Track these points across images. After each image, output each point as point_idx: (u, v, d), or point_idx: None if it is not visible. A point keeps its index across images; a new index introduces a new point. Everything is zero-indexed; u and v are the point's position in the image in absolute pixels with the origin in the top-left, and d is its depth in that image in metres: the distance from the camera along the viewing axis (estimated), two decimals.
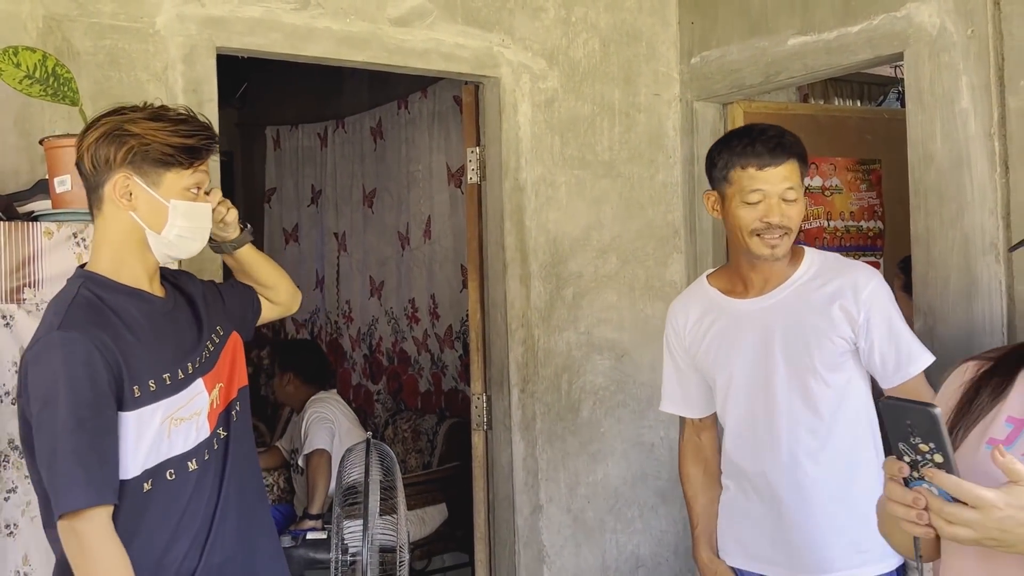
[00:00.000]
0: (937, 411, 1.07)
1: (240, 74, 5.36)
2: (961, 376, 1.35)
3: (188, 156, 1.64)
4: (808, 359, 2.03)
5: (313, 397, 3.98)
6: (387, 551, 2.90)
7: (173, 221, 1.65)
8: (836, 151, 3.52)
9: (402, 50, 2.89)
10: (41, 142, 2.08)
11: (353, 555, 2.83)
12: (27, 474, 1.87)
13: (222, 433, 1.72)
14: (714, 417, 2.25)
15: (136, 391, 1.58)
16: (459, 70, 3.03)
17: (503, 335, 3.12)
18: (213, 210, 1.75)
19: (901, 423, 1.10)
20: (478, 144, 3.19)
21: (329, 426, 3.84)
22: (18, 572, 1.89)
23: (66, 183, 1.98)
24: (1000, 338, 2.43)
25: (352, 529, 2.86)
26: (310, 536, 3.38)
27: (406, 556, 2.88)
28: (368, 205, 5.38)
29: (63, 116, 2.32)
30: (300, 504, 4.00)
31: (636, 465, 3.29)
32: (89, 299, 1.60)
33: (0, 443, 1.89)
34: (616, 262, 3.28)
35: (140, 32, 2.50)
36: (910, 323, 2.14)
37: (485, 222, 3.19)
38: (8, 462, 1.89)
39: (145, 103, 1.68)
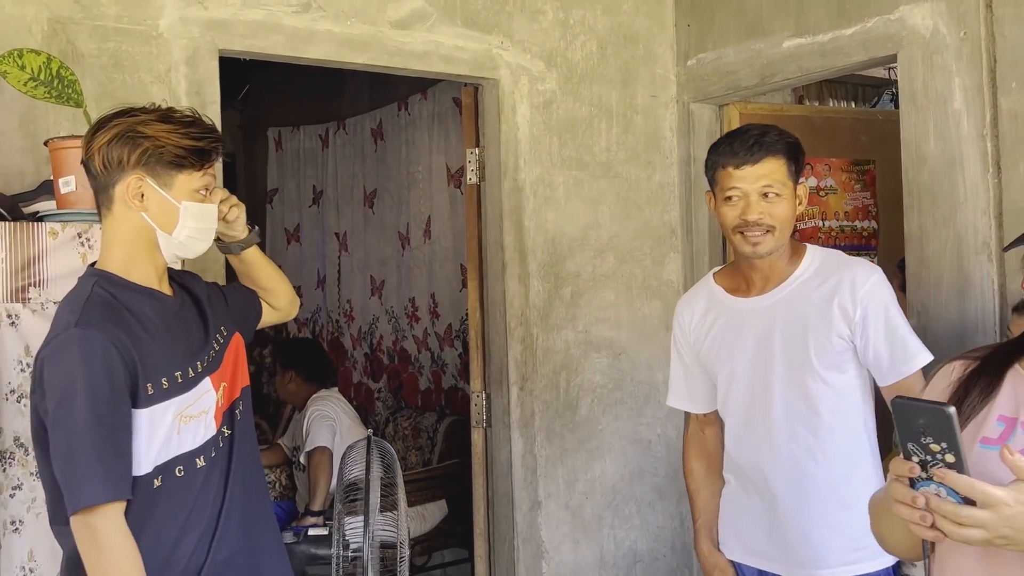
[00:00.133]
0: (952, 410, 1.06)
1: (242, 76, 5.35)
2: (948, 376, 1.34)
3: (199, 158, 1.65)
4: (807, 358, 2.02)
5: (315, 395, 3.98)
6: (388, 547, 2.90)
7: (184, 222, 1.65)
8: (831, 152, 3.52)
9: (402, 52, 2.89)
10: (46, 143, 2.08)
11: (354, 551, 2.83)
12: (32, 471, 1.88)
13: (226, 431, 1.72)
14: (718, 413, 2.25)
15: (149, 388, 1.58)
16: (458, 72, 3.03)
17: (502, 334, 3.12)
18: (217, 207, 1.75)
19: (913, 423, 1.09)
20: (477, 145, 3.19)
21: (331, 424, 3.84)
22: (23, 568, 1.89)
23: (71, 184, 1.98)
24: (993, 336, 2.44)
25: (353, 525, 2.86)
26: (312, 532, 3.38)
27: (406, 552, 2.88)
28: (369, 205, 5.38)
29: (67, 118, 2.32)
30: (302, 501, 4.00)
31: (633, 462, 3.29)
32: (104, 297, 1.60)
33: (6, 441, 1.89)
34: (614, 261, 3.28)
35: (143, 35, 2.50)
36: None
37: (484, 222, 3.19)
38: (13, 459, 1.89)
39: (153, 104, 1.68)
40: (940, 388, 1.33)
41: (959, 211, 2.55)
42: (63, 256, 1.94)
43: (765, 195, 2.01)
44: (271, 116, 5.94)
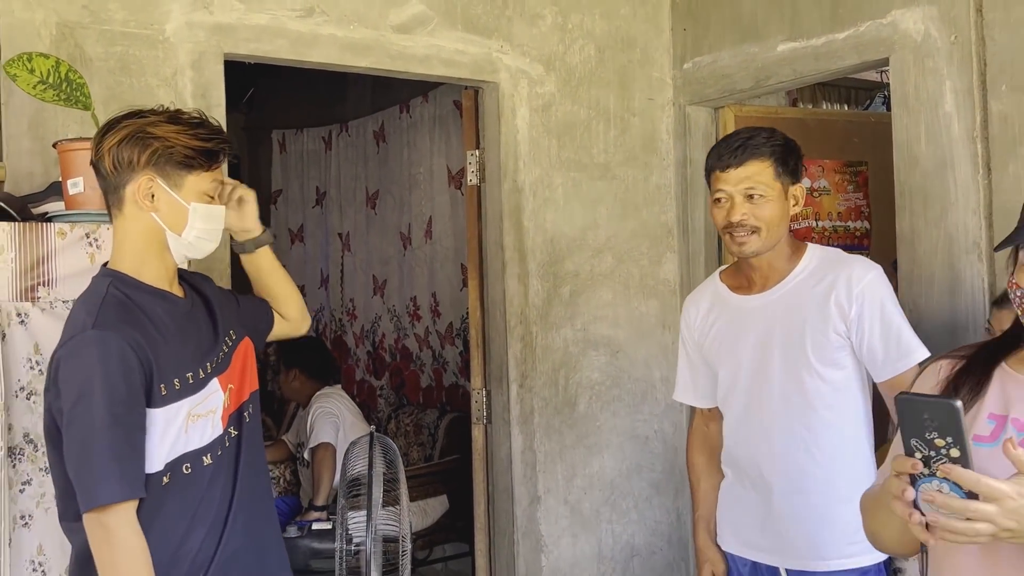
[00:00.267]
0: (959, 404, 1.05)
1: (247, 80, 5.35)
2: (935, 375, 1.34)
3: (207, 159, 1.65)
4: (804, 354, 2.03)
5: (318, 392, 3.99)
6: (390, 541, 2.90)
7: (192, 223, 1.65)
8: (824, 153, 3.51)
9: (404, 56, 2.89)
10: (55, 145, 2.08)
11: (357, 545, 2.83)
12: (41, 467, 1.88)
13: (233, 432, 1.72)
14: None
15: (163, 389, 1.58)
16: (459, 75, 3.03)
17: (502, 332, 3.12)
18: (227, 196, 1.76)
19: (918, 418, 1.07)
20: (478, 147, 3.19)
21: (334, 420, 3.84)
22: (33, 561, 1.89)
23: (79, 185, 1.98)
24: (983, 334, 2.44)
25: (356, 520, 2.86)
26: (315, 527, 3.37)
27: (408, 546, 2.88)
28: (371, 206, 5.38)
29: (76, 120, 2.32)
30: (306, 496, 4.00)
31: (631, 457, 3.29)
32: (119, 298, 1.60)
33: (15, 437, 1.89)
34: (611, 261, 3.28)
35: (150, 39, 2.50)
36: None
37: (484, 222, 3.18)
38: (23, 455, 1.89)
39: (161, 107, 1.67)
40: (928, 387, 1.33)
41: (950, 212, 2.55)
42: (71, 256, 1.94)
43: (750, 197, 2.03)
44: (275, 119, 5.94)
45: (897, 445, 1.34)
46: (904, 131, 2.66)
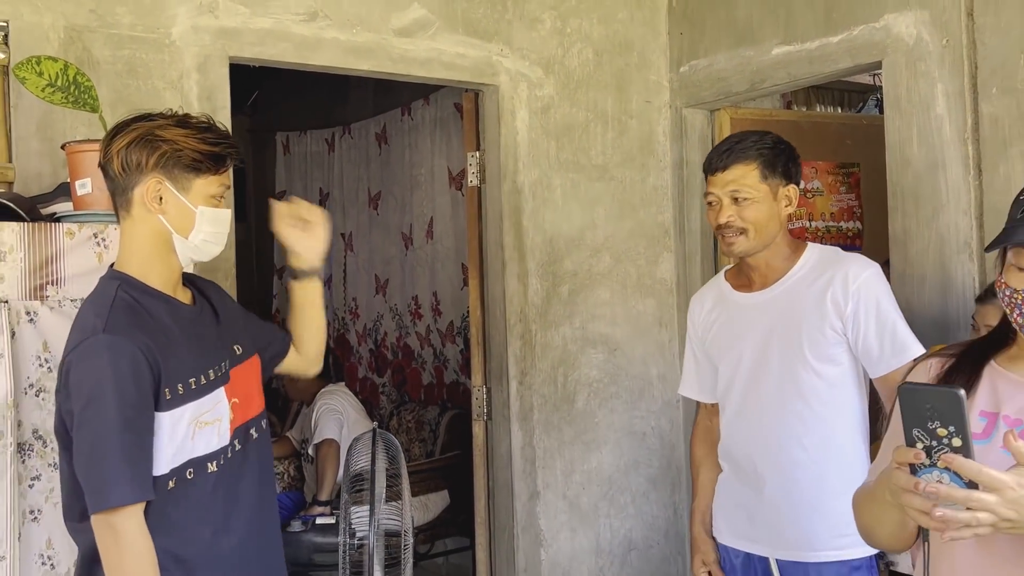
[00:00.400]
0: (962, 392, 1.04)
1: (251, 82, 5.35)
2: (925, 373, 1.34)
3: (215, 163, 1.64)
4: (800, 350, 2.04)
5: (323, 390, 3.98)
6: (392, 535, 2.90)
7: (200, 226, 1.64)
8: (817, 155, 3.51)
9: (405, 59, 2.89)
10: (63, 147, 2.08)
11: (360, 539, 2.83)
12: (50, 462, 1.88)
13: (238, 445, 1.70)
14: None
15: (168, 393, 1.58)
16: (460, 78, 3.03)
17: (502, 330, 3.11)
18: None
19: (920, 407, 1.06)
20: (478, 149, 3.19)
21: (338, 417, 3.84)
22: (42, 555, 1.89)
23: (87, 186, 1.98)
24: (970, 330, 2.43)
25: (359, 514, 2.86)
26: (319, 521, 3.39)
27: (410, 540, 2.88)
28: (373, 207, 5.38)
29: (84, 122, 2.32)
30: (310, 491, 4.00)
31: (628, 453, 3.29)
32: (128, 302, 1.59)
33: (25, 433, 1.88)
34: (609, 261, 3.28)
35: (157, 42, 2.50)
36: None
37: (485, 223, 3.18)
38: (32, 451, 1.89)
39: (169, 110, 1.67)
40: None
41: (941, 212, 2.54)
42: (80, 255, 1.94)
43: (736, 199, 2.05)
44: (279, 121, 5.93)
45: (890, 441, 1.34)
46: (896, 133, 2.66)
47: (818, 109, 4.65)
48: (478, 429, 3.20)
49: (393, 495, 2.91)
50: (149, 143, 1.59)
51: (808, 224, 3.55)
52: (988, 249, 1.31)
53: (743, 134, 2.14)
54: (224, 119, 2.50)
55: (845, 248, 3.57)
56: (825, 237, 3.55)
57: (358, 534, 2.85)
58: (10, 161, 2.32)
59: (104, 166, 1.64)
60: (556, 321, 3.17)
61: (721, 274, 2.28)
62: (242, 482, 1.71)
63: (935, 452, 1.06)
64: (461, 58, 2.99)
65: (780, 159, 2.09)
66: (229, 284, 2.52)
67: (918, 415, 1.06)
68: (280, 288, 6.07)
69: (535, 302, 3.13)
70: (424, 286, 5.00)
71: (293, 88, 5.22)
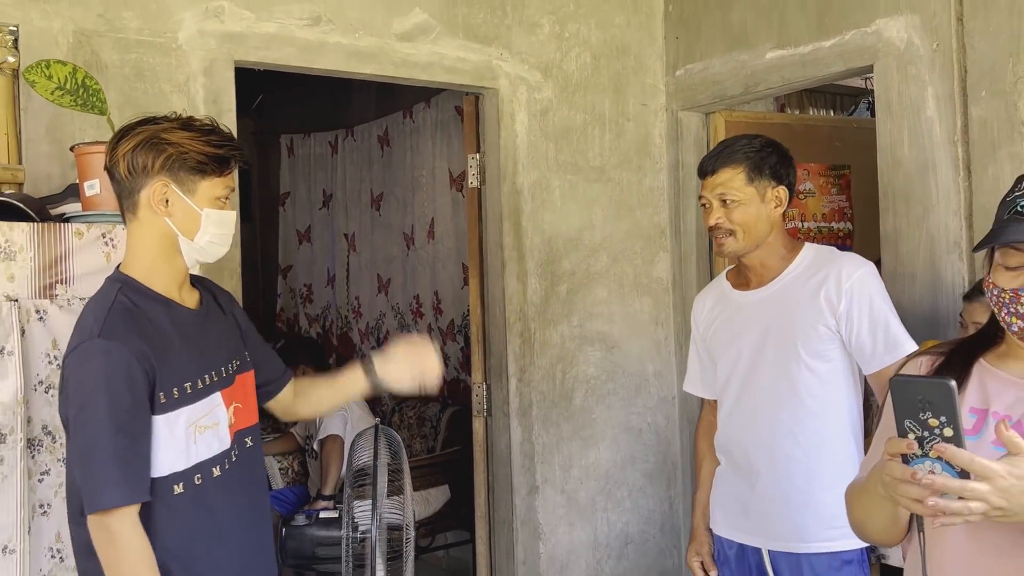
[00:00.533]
0: (953, 383, 1.05)
1: (256, 86, 5.34)
2: (916, 370, 1.34)
3: (219, 164, 1.63)
4: (794, 347, 2.04)
5: None
6: (394, 529, 2.89)
7: (205, 228, 1.63)
8: (809, 157, 3.51)
9: (407, 63, 2.89)
10: (72, 149, 2.07)
11: (363, 532, 2.83)
12: (59, 457, 1.88)
13: (234, 455, 1.70)
14: None
15: (162, 397, 1.57)
16: (460, 82, 3.02)
17: (501, 328, 3.11)
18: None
19: (912, 399, 1.06)
20: (478, 151, 3.18)
21: (342, 413, 3.84)
22: (51, 548, 1.88)
23: (95, 187, 1.97)
24: (958, 328, 2.43)
25: (362, 508, 2.86)
26: (323, 515, 3.38)
27: (412, 534, 2.88)
28: (376, 208, 5.37)
29: (92, 125, 2.31)
30: (314, 485, 3.99)
31: (625, 449, 3.29)
32: (127, 305, 1.58)
33: (35, 429, 1.88)
34: (606, 260, 3.28)
35: (163, 47, 2.49)
36: None
37: (485, 223, 3.18)
38: (42, 446, 1.88)
39: (173, 113, 1.66)
40: None
41: (932, 213, 2.54)
42: (88, 255, 1.94)
43: (723, 202, 2.08)
44: (284, 124, 5.93)
45: (881, 436, 1.33)
46: (888, 135, 2.65)
47: (811, 112, 4.65)
48: (478, 425, 3.20)
49: (395, 490, 2.90)
50: (155, 146, 1.58)
51: (800, 225, 3.55)
52: (976, 249, 1.31)
53: (734, 139, 2.16)
54: (229, 122, 2.49)
55: (836, 248, 3.59)
56: (817, 238, 3.55)
57: (361, 527, 2.84)
58: (20, 163, 2.31)
59: (110, 169, 1.63)
60: (554, 319, 3.17)
61: (723, 274, 2.30)
62: (241, 486, 1.70)
63: (927, 442, 1.06)
64: (462, 62, 2.99)
65: (767, 161, 2.09)
66: (234, 284, 2.51)
67: (910, 406, 1.07)
68: (284, 287, 6.07)
69: (534, 301, 3.13)
70: (425, 285, 5.00)
71: (297, 91, 5.21)
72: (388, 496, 2.86)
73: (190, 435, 1.60)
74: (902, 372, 1.34)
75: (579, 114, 3.22)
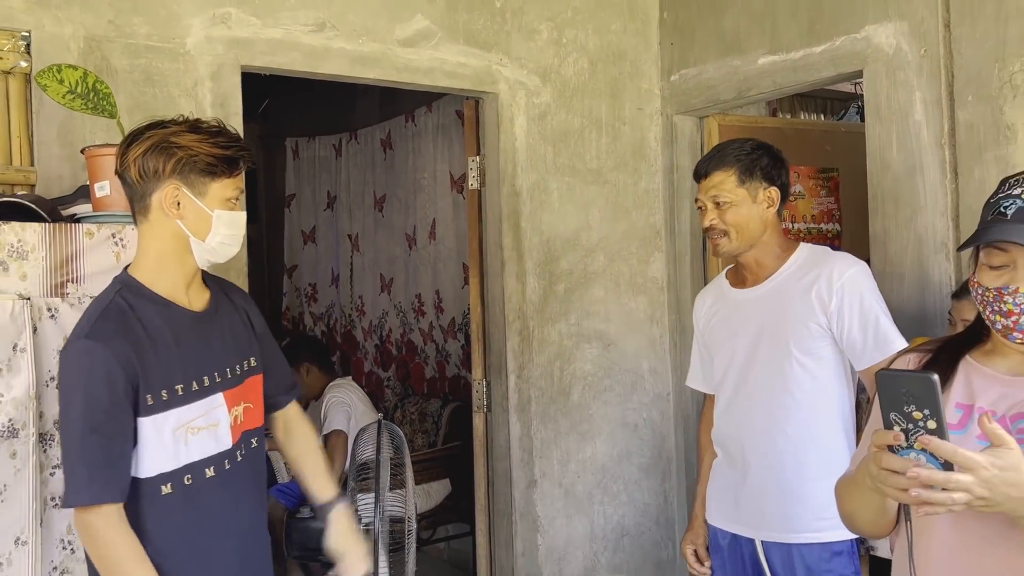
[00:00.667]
0: (935, 377, 1.05)
1: (262, 90, 5.34)
2: (904, 367, 1.34)
3: (228, 165, 1.62)
4: (786, 343, 2.05)
5: (331, 384, 3.98)
6: (396, 521, 2.90)
7: (216, 229, 1.62)
8: (800, 160, 3.51)
9: (409, 68, 2.88)
10: (83, 151, 2.07)
11: (366, 525, 2.83)
12: None
13: (239, 454, 1.68)
14: None
15: (149, 399, 1.55)
16: (461, 86, 3.02)
17: (501, 326, 3.11)
18: None
19: (897, 392, 1.07)
20: (478, 154, 3.18)
21: (346, 409, 3.84)
22: (63, 540, 1.88)
23: (105, 188, 1.97)
24: (946, 325, 2.43)
25: (365, 501, 2.86)
26: None
27: (413, 526, 2.88)
28: (379, 209, 5.37)
29: (102, 128, 2.31)
30: None
31: (621, 443, 3.29)
32: (122, 307, 1.58)
33: (46, 424, 1.88)
34: (603, 260, 3.28)
35: (172, 52, 2.49)
36: None
37: (485, 224, 3.18)
38: (53, 440, 1.88)
39: (181, 117, 1.65)
40: None
41: (919, 214, 2.54)
42: (98, 254, 1.93)
43: (717, 204, 2.10)
44: (289, 127, 5.93)
45: (870, 429, 1.34)
46: (877, 139, 2.65)
47: (802, 116, 4.64)
48: (478, 421, 3.19)
49: (397, 483, 2.91)
50: (164, 150, 1.57)
51: (790, 226, 3.54)
52: (960, 249, 1.31)
53: (727, 143, 2.19)
54: (236, 125, 2.49)
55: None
56: (806, 238, 3.55)
57: (364, 520, 2.84)
58: (32, 165, 2.31)
59: (122, 174, 1.62)
60: (552, 318, 3.17)
61: (723, 272, 2.31)
62: (242, 486, 1.68)
63: (911, 434, 1.07)
64: (462, 67, 2.99)
65: (758, 163, 2.11)
66: (241, 283, 2.51)
67: (895, 399, 1.07)
68: (289, 287, 6.06)
69: (532, 300, 3.13)
70: (427, 285, 5.00)
71: (302, 96, 5.21)
72: (391, 489, 2.86)
73: (180, 437, 1.58)
74: (885, 367, 1.35)
75: (576, 118, 3.22)
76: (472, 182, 3.19)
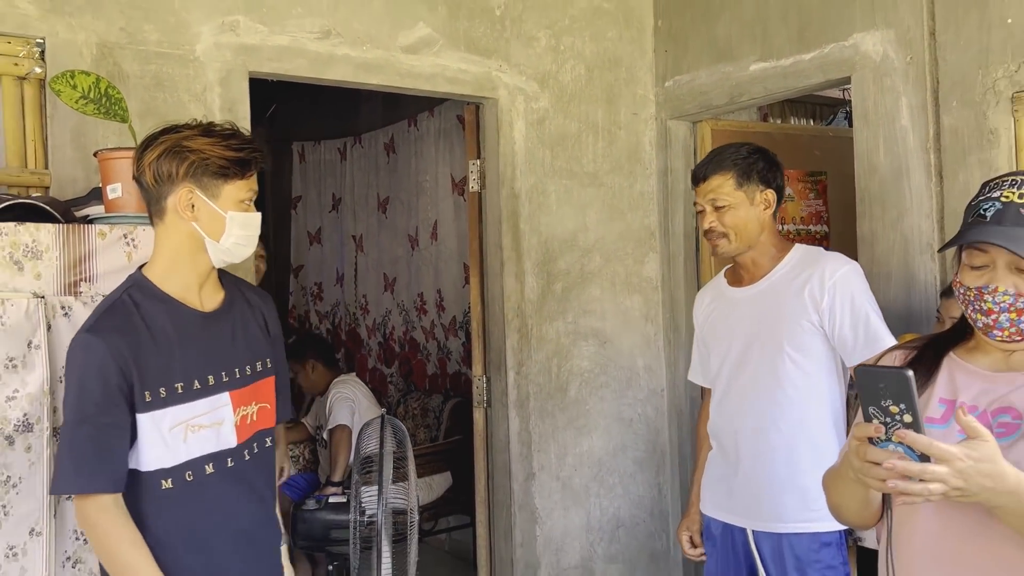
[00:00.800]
0: (910, 373, 1.06)
1: (269, 96, 5.33)
2: (891, 363, 1.35)
3: (241, 167, 1.61)
4: (779, 340, 2.06)
5: (336, 380, 3.98)
6: (399, 513, 2.90)
7: (230, 230, 1.62)
8: (789, 164, 3.49)
9: (412, 74, 2.88)
10: (95, 154, 2.07)
11: (370, 517, 2.83)
12: None
13: (247, 453, 1.67)
14: None
15: (147, 396, 1.55)
16: (462, 92, 3.02)
17: (500, 324, 3.11)
18: None
19: (875, 387, 1.08)
20: (478, 157, 3.18)
21: (350, 404, 3.84)
22: (75, 531, 1.88)
23: (117, 190, 1.97)
24: (934, 322, 2.44)
25: (369, 494, 2.86)
26: (332, 500, 3.38)
27: (415, 517, 2.88)
28: (382, 211, 5.37)
29: (114, 132, 2.31)
30: (323, 472, 3.99)
31: (617, 438, 3.29)
32: (126, 305, 1.58)
33: (60, 418, 1.87)
34: (599, 260, 3.28)
35: (182, 58, 2.49)
36: None
37: (485, 225, 3.18)
38: None
39: (194, 120, 1.65)
40: None
41: (906, 216, 2.55)
42: (111, 255, 1.94)
43: (716, 207, 2.11)
44: (295, 132, 5.93)
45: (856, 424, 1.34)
46: (864, 143, 2.66)
47: (792, 121, 4.65)
48: (478, 415, 3.20)
49: (400, 476, 2.91)
50: (178, 154, 1.57)
51: (780, 227, 3.55)
52: (941, 249, 1.33)
53: (724, 147, 2.19)
54: (244, 129, 2.49)
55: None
56: (795, 240, 3.55)
57: (368, 512, 2.85)
58: (47, 167, 2.31)
59: (138, 178, 1.62)
60: (550, 316, 3.17)
61: (722, 272, 2.32)
62: (248, 483, 1.67)
63: (889, 428, 1.08)
64: (463, 73, 2.99)
65: (755, 167, 2.11)
66: (249, 282, 2.51)
67: (873, 394, 1.08)
68: (296, 286, 6.07)
69: (531, 299, 3.13)
70: (429, 284, 5.00)
71: (308, 101, 5.21)
72: (393, 482, 2.86)
73: (179, 434, 1.57)
74: (867, 363, 1.35)
75: (574, 123, 3.22)
76: (473, 184, 3.19)
